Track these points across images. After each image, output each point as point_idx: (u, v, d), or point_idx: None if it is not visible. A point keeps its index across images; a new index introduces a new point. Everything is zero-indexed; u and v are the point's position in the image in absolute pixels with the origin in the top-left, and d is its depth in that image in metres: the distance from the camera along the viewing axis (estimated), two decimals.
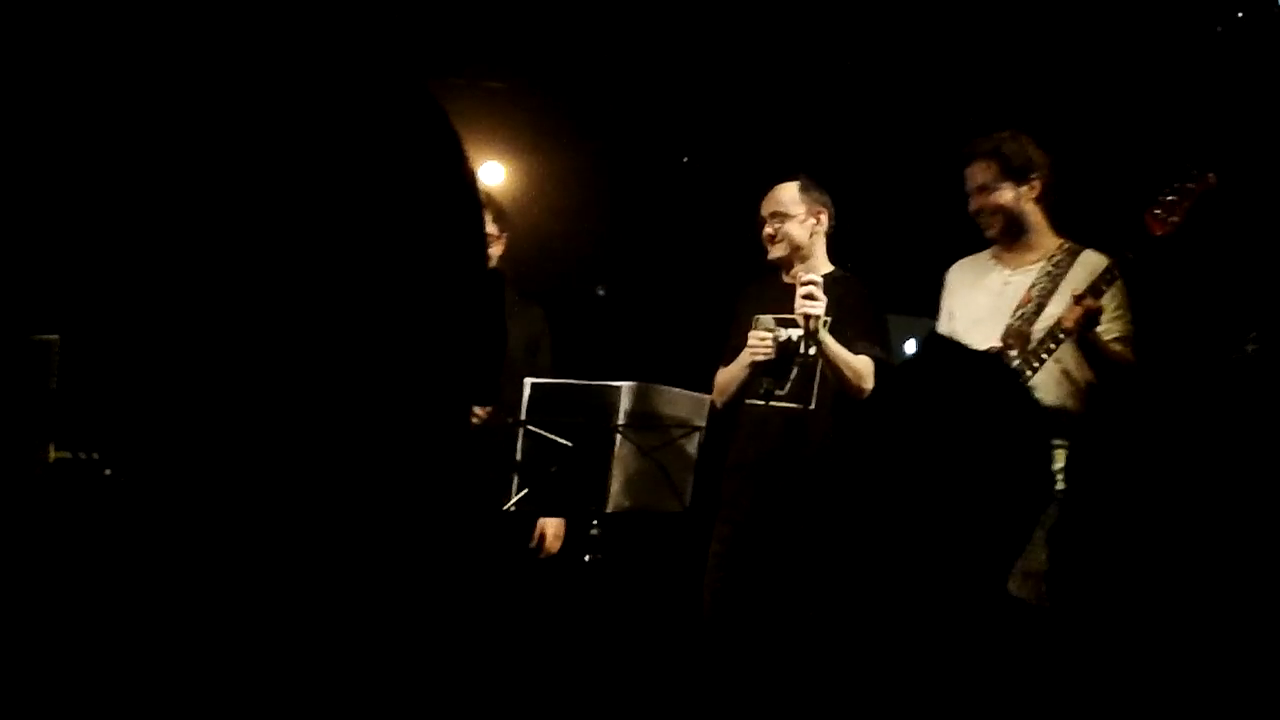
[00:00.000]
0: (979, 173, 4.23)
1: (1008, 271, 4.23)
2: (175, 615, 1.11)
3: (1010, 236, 4.23)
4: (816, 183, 4.58)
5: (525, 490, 4.11)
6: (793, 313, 4.33)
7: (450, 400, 1.15)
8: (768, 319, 4.45)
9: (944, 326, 4.29)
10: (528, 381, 4.14)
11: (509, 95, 6.62)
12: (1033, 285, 4.15)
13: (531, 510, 4.45)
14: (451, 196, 1.13)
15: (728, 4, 5.86)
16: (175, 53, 1.16)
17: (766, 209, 4.55)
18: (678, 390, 4.39)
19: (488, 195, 4.79)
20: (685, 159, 6.57)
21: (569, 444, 4.06)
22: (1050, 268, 4.15)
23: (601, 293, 6.77)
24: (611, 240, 6.81)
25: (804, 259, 4.50)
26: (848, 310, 4.39)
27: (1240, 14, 4.51)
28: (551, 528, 4.75)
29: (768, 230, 4.53)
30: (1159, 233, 3.83)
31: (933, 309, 6.27)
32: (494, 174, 6.76)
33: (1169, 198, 3.85)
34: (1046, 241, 4.22)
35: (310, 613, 1.13)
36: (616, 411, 4.07)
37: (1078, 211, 4.41)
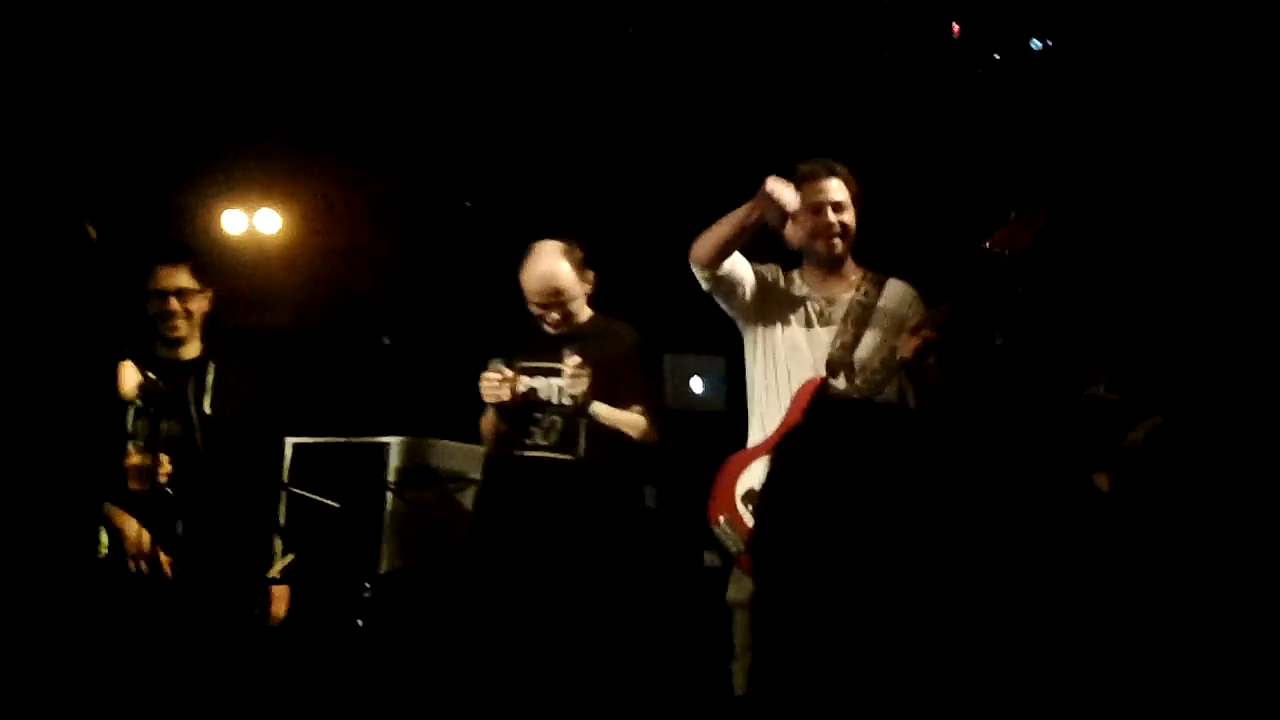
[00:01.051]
0: (838, 190, 4.14)
1: (822, 301, 4.20)
2: None
3: (835, 262, 4.22)
4: (578, 241, 4.50)
5: (291, 556, 3.96)
6: (550, 361, 4.32)
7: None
8: (498, 362, 4.37)
9: (757, 344, 4.22)
10: (289, 441, 4.00)
11: (287, 142, 6.46)
12: (847, 315, 4.15)
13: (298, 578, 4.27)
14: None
15: (505, 52, 5.82)
16: None
17: (544, 292, 4.43)
18: (450, 443, 4.30)
19: (184, 249, 4.60)
20: (468, 204, 6.47)
21: (336, 505, 3.93)
22: (860, 297, 4.17)
23: (387, 342, 6.62)
24: (397, 288, 6.67)
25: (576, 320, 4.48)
26: (614, 361, 4.35)
27: (996, 55, 4.61)
28: (278, 589, 4.50)
29: (554, 315, 4.44)
30: (1004, 262, 3.85)
31: (717, 348, 6.31)
32: (270, 222, 6.57)
33: (1006, 230, 3.86)
34: (853, 271, 4.24)
35: None
36: (386, 468, 3.96)
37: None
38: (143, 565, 4.03)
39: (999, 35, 4.89)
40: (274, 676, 4.20)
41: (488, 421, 4.40)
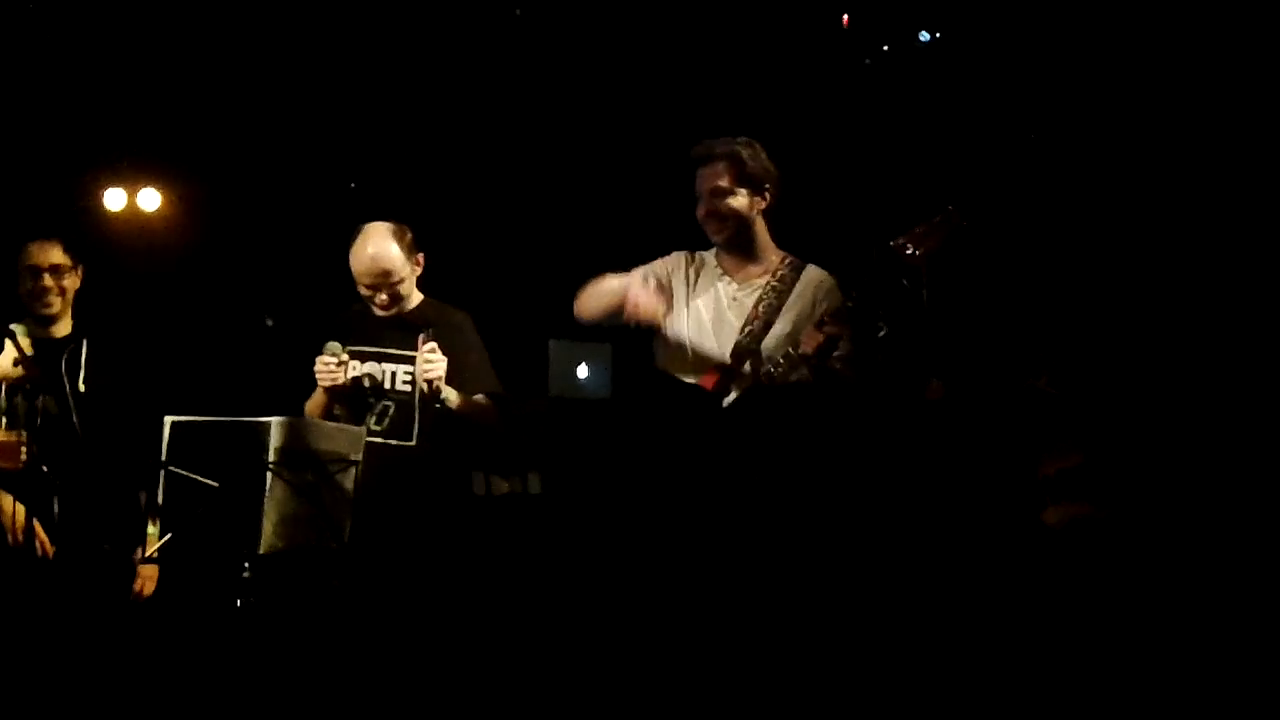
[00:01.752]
0: (715, 176, 4.12)
1: (734, 286, 4.17)
2: None
3: (737, 247, 4.18)
4: (406, 225, 4.48)
5: (169, 535, 3.90)
6: (381, 345, 4.39)
7: None
8: (334, 345, 4.36)
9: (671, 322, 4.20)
10: (167, 420, 3.92)
11: (170, 118, 6.34)
12: (759, 301, 4.11)
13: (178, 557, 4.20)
14: None
15: (389, 32, 5.77)
16: None
17: (372, 273, 4.40)
18: (331, 424, 4.27)
19: (56, 224, 4.53)
20: (352, 185, 6.40)
21: (215, 484, 3.86)
22: (775, 283, 4.14)
23: (270, 323, 6.52)
24: (281, 268, 6.58)
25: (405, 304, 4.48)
26: (454, 349, 4.35)
27: (885, 47, 4.65)
28: (145, 568, 4.44)
29: (382, 297, 4.40)
30: (911, 263, 3.82)
31: (603, 335, 6.29)
32: (151, 200, 6.44)
33: (920, 228, 3.84)
34: (770, 256, 4.21)
35: None
36: (267, 448, 3.89)
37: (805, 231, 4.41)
38: (19, 538, 3.96)
39: (887, 28, 4.93)
40: (152, 657, 4.14)
41: (314, 404, 4.38)
